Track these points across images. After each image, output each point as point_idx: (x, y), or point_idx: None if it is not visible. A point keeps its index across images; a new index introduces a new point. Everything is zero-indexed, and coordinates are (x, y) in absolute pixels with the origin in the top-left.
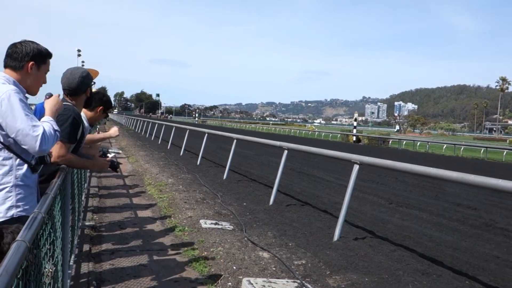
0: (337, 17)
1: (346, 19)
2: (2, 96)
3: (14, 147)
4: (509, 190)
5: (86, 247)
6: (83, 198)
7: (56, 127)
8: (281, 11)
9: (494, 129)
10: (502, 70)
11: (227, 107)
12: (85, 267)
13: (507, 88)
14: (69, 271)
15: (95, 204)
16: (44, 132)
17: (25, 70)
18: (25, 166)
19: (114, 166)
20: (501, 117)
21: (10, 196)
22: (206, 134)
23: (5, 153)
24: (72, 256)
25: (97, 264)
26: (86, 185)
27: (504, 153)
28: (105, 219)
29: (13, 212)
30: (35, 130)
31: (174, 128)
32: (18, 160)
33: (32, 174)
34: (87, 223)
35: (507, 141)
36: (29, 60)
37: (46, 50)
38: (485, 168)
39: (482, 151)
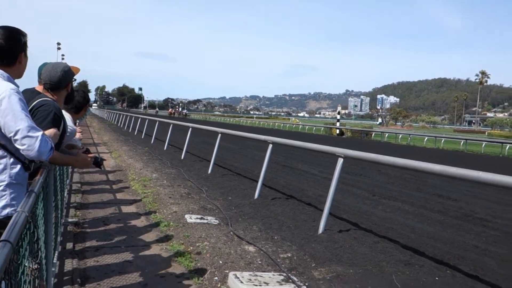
0: (321, 10)
1: (329, 13)
2: (2, 95)
3: (9, 146)
4: (490, 182)
5: (69, 244)
6: (65, 194)
7: (53, 145)
8: (266, 5)
9: (474, 121)
10: (482, 64)
11: (210, 100)
12: (69, 265)
13: (486, 81)
14: (53, 269)
15: (77, 201)
16: (43, 136)
17: (17, 63)
18: (19, 165)
19: (97, 162)
20: (480, 110)
21: (4, 195)
22: (190, 129)
23: (0, 152)
24: (56, 254)
25: (81, 261)
26: (68, 181)
27: (483, 145)
28: (89, 216)
29: (8, 210)
30: (35, 132)
31: (157, 122)
32: (12, 158)
33: (25, 172)
34: (70, 220)
35: (486, 133)
36: (20, 53)
37: (24, 33)
38: (465, 160)
39: (462, 143)
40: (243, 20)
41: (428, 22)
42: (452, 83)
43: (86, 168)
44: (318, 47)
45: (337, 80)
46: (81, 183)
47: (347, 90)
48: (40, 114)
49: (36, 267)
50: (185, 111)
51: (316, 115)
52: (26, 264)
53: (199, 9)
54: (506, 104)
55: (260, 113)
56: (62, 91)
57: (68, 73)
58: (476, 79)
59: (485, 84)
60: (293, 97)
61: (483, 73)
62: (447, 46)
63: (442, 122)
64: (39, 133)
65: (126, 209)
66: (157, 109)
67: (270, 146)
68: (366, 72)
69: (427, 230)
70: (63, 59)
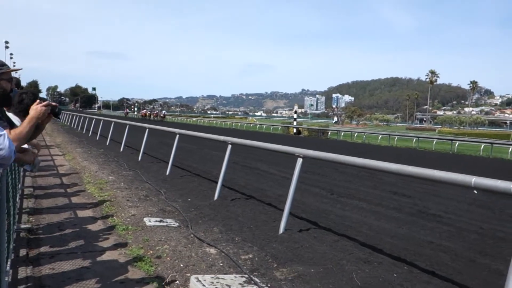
0: (277, 10)
1: (286, 13)
2: None
3: None
4: (444, 180)
5: (23, 252)
6: (17, 199)
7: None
8: (221, 4)
9: (425, 119)
10: (431, 63)
11: (167, 100)
12: (23, 273)
13: (436, 80)
14: (6, 278)
15: (30, 206)
16: (5, 133)
17: None
18: None
19: (55, 112)
20: (430, 108)
21: None
22: (147, 129)
23: None
24: (9, 262)
25: (36, 269)
26: (20, 185)
27: (434, 142)
28: (43, 221)
29: None
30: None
31: (113, 123)
32: None
33: None
34: (22, 226)
35: (436, 130)
36: None
37: None
38: (418, 157)
39: (414, 141)
40: (199, 19)
41: (380, 23)
42: (403, 82)
43: (45, 120)
44: (274, 47)
45: (293, 80)
46: (34, 187)
47: (303, 89)
48: None
49: None
50: (163, 112)
51: (274, 114)
52: None
53: (153, 7)
54: (454, 102)
55: (217, 112)
56: None
57: None
58: (426, 78)
59: (435, 83)
60: (250, 97)
61: (432, 72)
62: (399, 46)
63: (395, 120)
64: (4, 131)
65: (82, 213)
66: (127, 110)
67: (229, 146)
68: (321, 71)
69: (384, 227)
70: (11, 58)
